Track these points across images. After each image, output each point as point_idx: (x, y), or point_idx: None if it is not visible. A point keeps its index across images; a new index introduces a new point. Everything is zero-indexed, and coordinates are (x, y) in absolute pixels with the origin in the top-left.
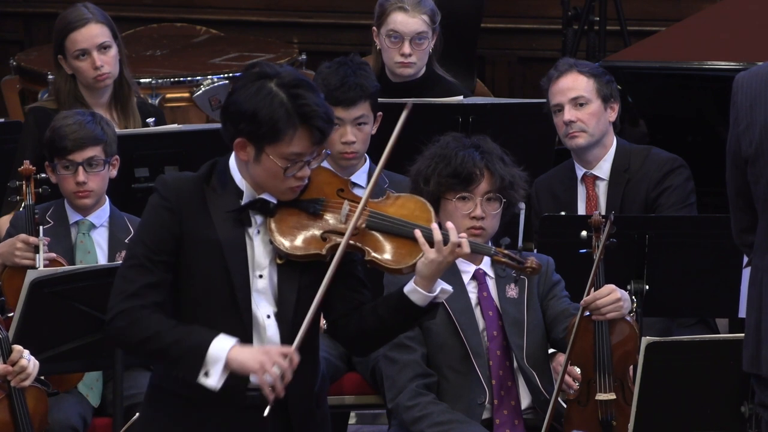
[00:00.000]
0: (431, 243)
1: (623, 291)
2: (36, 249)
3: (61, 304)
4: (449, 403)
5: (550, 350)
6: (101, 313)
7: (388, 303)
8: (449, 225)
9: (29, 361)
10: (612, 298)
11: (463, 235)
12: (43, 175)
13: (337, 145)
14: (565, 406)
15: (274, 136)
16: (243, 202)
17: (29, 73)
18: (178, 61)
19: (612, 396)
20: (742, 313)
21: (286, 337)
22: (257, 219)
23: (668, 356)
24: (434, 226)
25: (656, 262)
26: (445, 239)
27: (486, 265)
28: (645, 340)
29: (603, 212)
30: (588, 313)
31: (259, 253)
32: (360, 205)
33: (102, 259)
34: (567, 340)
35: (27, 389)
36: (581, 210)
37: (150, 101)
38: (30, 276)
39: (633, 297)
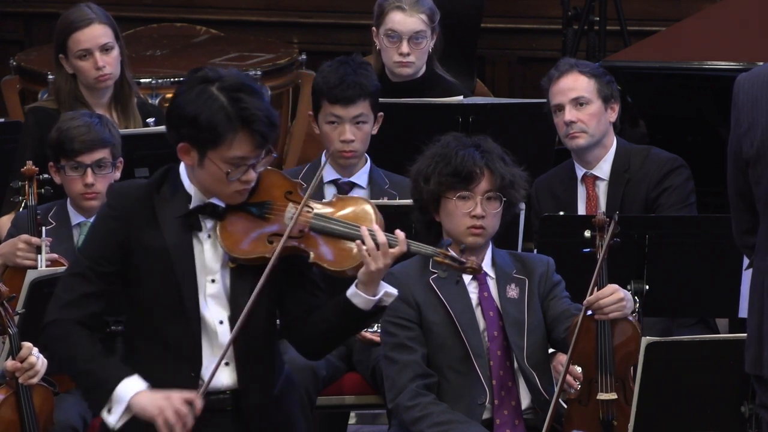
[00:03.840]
0: (367, 248)
1: (626, 291)
2: (38, 249)
3: None
4: (450, 404)
5: (551, 350)
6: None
7: (334, 306)
8: (376, 227)
9: (38, 359)
10: (615, 297)
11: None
12: (46, 176)
13: (335, 144)
14: (565, 406)
15: (215, 140)
16: (191, 207)
17: (29, 73)
18: (178, 61)
19: (613, 396)
20: (742, 313)
21: (238, 345)
22: (207, 223)
23: (668, 356)
24: (363, 230)
25: (656, 262)
26: (377, 243)
27: (486, 265)
28: (645, 340)
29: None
30: (590, 313)
31: (209, 257)
32: (299, 207)
33: None
34: (569, 339)
35: (34, 388)
36: (581, 210)
37: (150, 101)
38: (30, 276)
39: (635, 297)
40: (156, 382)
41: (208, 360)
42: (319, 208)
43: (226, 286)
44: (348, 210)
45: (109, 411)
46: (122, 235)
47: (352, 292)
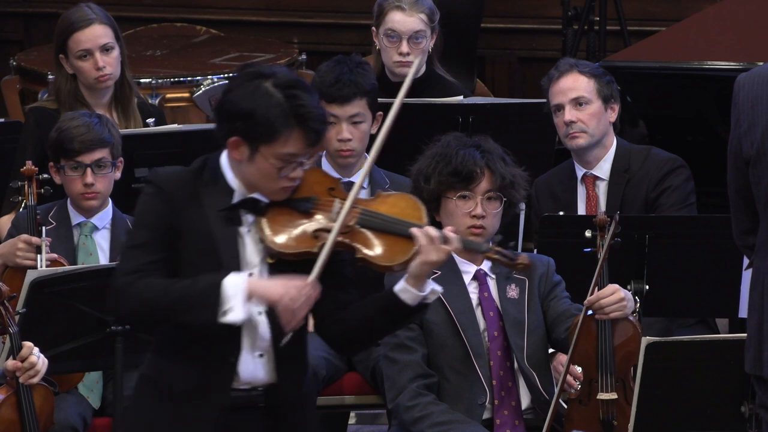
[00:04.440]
0: (421, 242)
1: (626, 291)
2: (38, 249)
3: (62, 304)
4: (450, 404)
5: (551, 350)
6: (101, 313)
7: (377, 302)
8: (425, 222)
9: (39, 359)
10: (616, 297)
11: (451, 231)
12: (45, 176)
13: (333, 143)
14: (565, 406)
15: (269, 136)
16: (234, 201)
17: (29, 73)
18: (178, 61)
19: (614, 396)
20: (742, 313)
21: (277, 337)
22: (248, 218)
23: (668, 356)
24: (425, 223)
25: (656, 262)
26: (432, 237)
27: (486, 265)
28: (645, 340)
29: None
30: (591, 313)
31: (249, 251)
32: (348, 202)
33: (104, 261)
34: (569, 339)
35: (35, 387)
36: (581, 210)
37: (150, 101)
38: (30, 276)
39: (635, 297)
40: (193, 368)
41: (247, 352)
42: (366, 204)
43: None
44: (394, 205)
45: (226, 312)
46: (171, 216)
47: (401, 287)
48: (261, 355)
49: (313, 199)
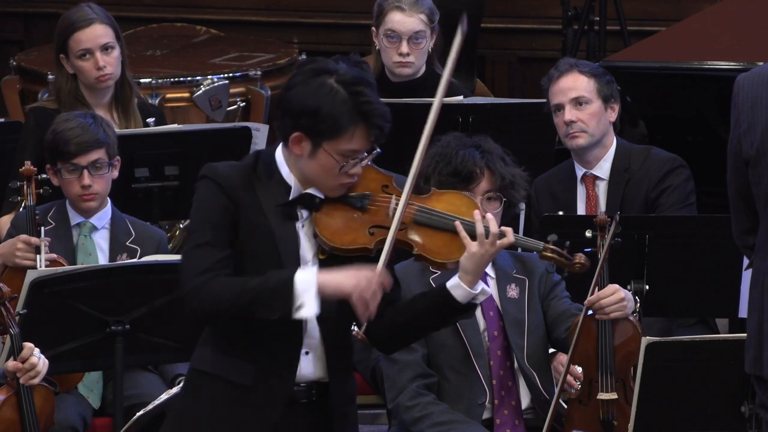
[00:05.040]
0: (474, 236)
1: (626, 291)
2: (37, 249)
3: (61, 304)
4: (450, 404)
5: (551, 350)
6: (101, 313)
7: (427, 298)
8: (489, 216)
9: (39, 359)
10: (616, 297)
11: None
12: (44, 176)
13: None
14: (565, 406)
15: (334, 132)
16: (291, 197)
17: (29, 73)
18: (178, 61)
19: (614, 396)
20: (742, 313)
21: (326, 332)
22: (303, 213)
23: (668, 356)
24: (477, 217)
25: (656, 262)
26: (487, 231)
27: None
28: (645, 340)
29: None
30: (591, 313)
31: (303, 247)
32: (403, 199)
33: (103, 261)
34: (569, 339)
35: (35, 388)
36: (581, 210)
37: (150, 101)
38: (30, 276)
39: (635, 297)
40: (255, 363)
41: (293, 349)
42: (421, 201)
43: None
44: (449, 202)
45: (299, 307)
46: (232, 209)
47: (454, 284)
48: (307, 353)
49: (369, 196)
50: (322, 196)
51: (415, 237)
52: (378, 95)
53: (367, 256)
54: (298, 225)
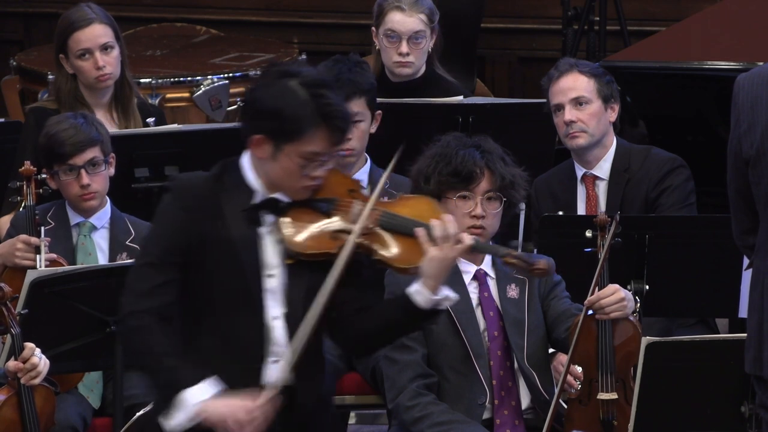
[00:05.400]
0: (434, 241)
1: (627, 291)
2: (37, 249)
3: (61, 304)
4: (450, 404)
5: (551, 350)
6: (101, 313)
7: (391, 303)
8: (448, 219)
9: (40, 360)
10: (616, 297)
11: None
12: (44, 176)
13: None
14: (565, 406)
15: (295, 134)
16: (256, 201)
17: (29, 73)
18: (178, 61)
19: (614, 396)
20: (742, 313)
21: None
22: (268, 219)
23: (668, 356)
24: (434, 222)
25: (656, 262)
26: (446, 236)
27: (487, 265)
28: (645, 340)
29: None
30: (591, 312)
31: (269, 252)
32: (369, 204)
33: (103, 261)
34: (569, 339)
35: (36, 388)
36: (581, 210)
37: (150, 101)
38: (30, 276)
39: (635, 297)
40: (219, 376)
41: (259, 358)
42: (385, 206)
43: (282, 282)
44: (413, 207)
45: (171, 415)
46: (190, 227)
47: (415, 289)
48: (276, 361)
49: (334, 200)
50: (287, 201)
51: (377, 242)
52: (340, 98)
53: (331, 260)
54: (264, 230)
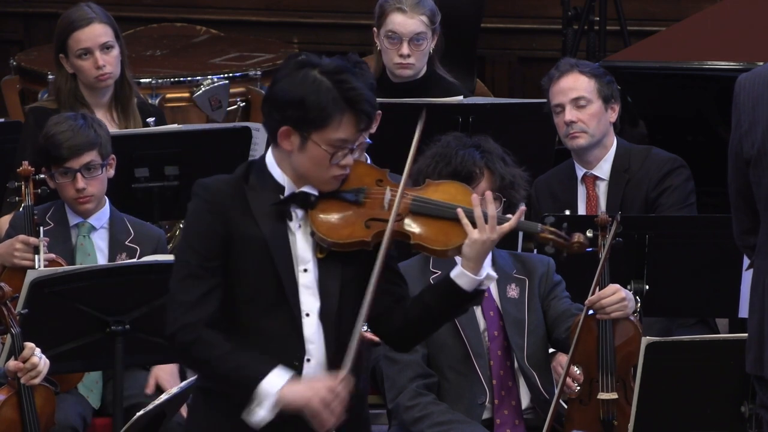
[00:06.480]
0: (474, 223)
1: (627, 291)
2: (36, 250)
3: (61, 304)
4: (450, 404)
5: (551, 350)
6: (101, 313)
7: (433, 290)
8: (488, 198)
9: (40, 359)
10: (617, 297)
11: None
12: (42, 176)
13: None
14: (565, 406)
15: (321, 121)
16: (284, 195)
17: (29, 73)
18: (178, 61)
19: (614, 395)
20: (743, 313)
21: (330, 334)
22: (298, 213)
23: (668, 356)
24: (475, 203)
25: (656, 262)
26: (486, 216)
27: (487, 265)
28: (645, 340)
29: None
30: (592, 312)
31: (301, 247)
32: (399, 189)
33: (102, 261)
34: (570, 339)
35: (36, 388)
36: (581, 210)
37: (150, 101)
38: (30, 276)
39: (635, 297)
40: None
41: (295, 358)
42: (416, 192)
43: (316, 276)
44: (445, 192)
45: (256, 408)
46: (221, 228)
47: (458, 273)
48: (309, 360)
49: (364, 190)
50: (316, 193)
51: (412, 227)
52: (363, 84)
53: (365, 250)
54: (294, 225)
